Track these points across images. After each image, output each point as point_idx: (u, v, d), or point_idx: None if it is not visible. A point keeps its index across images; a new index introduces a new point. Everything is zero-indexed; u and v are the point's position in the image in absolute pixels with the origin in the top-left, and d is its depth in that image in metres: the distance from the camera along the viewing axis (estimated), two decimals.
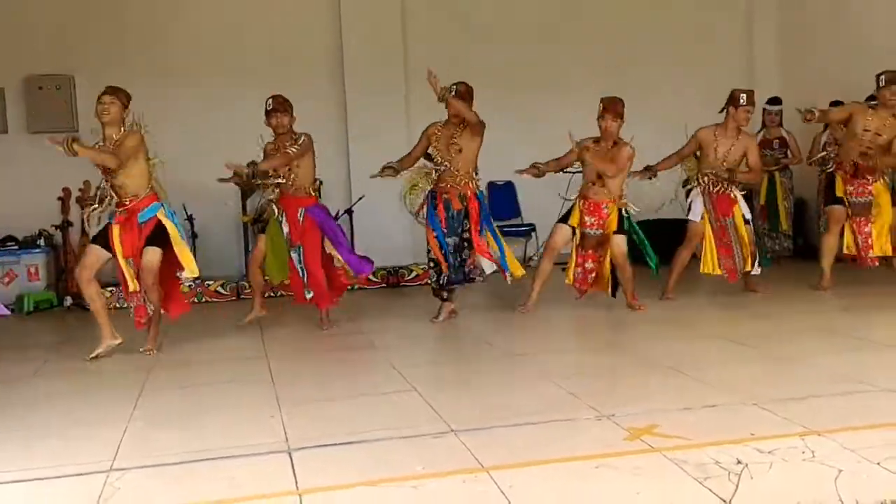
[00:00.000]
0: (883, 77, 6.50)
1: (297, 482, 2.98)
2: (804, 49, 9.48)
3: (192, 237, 7.88)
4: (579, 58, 9.30)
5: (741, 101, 6.42)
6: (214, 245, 8.38)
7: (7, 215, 7.99)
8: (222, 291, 7.89)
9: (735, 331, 5.40)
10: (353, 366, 5.13)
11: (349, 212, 8.30)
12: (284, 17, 8.97)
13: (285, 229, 5.95)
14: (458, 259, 5.99)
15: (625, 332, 5.77)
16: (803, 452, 3.01)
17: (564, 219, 6.31)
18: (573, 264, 6.30)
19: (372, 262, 6.17)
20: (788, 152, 8.53)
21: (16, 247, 8.00)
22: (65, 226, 7.98)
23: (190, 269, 5.42)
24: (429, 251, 6.02)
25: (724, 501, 2.62)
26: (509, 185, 9.13)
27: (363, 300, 7.29)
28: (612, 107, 6.07)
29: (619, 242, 6.17)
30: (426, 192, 6.06)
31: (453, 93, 5.81)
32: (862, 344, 4.90)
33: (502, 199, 9.22)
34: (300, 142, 5.88)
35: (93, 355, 5.32)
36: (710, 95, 6.97)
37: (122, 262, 5.34)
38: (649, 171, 6.56)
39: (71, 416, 4.09)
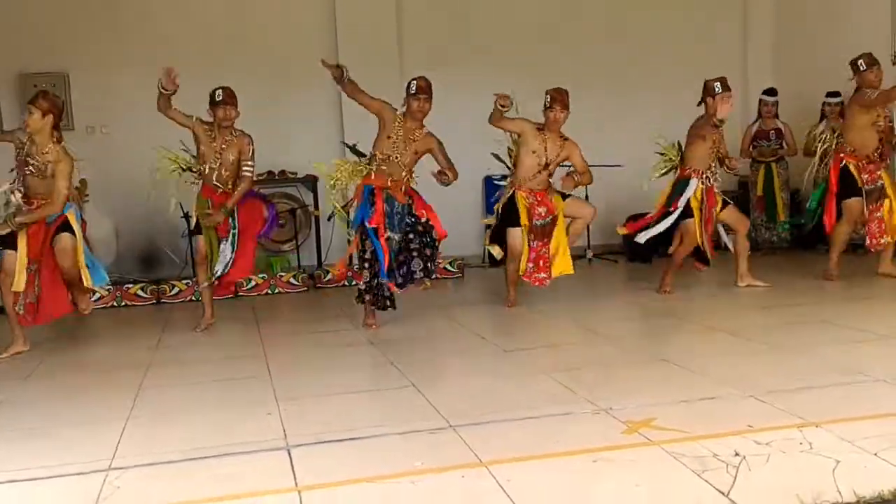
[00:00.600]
0: (862, 62, 6.50)
1: (295, 479, 2.98)
2: (798, 42, 9.48)
3: (189, 235, 7.87)
4: (576, 56, 9.28)
5: (716, 89, 6.36)
6: None
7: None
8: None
9: (732, 323, 5.41)
10: (351, 362, 5.13)
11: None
12: (280, 15, 8.96)
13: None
14: (403, 257, 5.75)
15: (621, 326, 5.77)
16: (801, 444, 3.02)
17: (512, 221, 6.18)
18: (525, 260, 6.19)
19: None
20: (784, 143, 8.54)
21: None
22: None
23: (85, 280, 5.50)
24: (363, 251, 5.74)
25: (723, 494, 2.63)
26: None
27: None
28: (560, 97, 6.10)
29: (576, 201, 6.34)
30: (351, 186, 5.89)
31: (413, 90, 5.67)
32: (859, 335, 4.90)
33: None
34: (242, 140, 5.90)
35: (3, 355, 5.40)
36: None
37: (21, 261, 5.33)
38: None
39: (68, 415, 4.08)
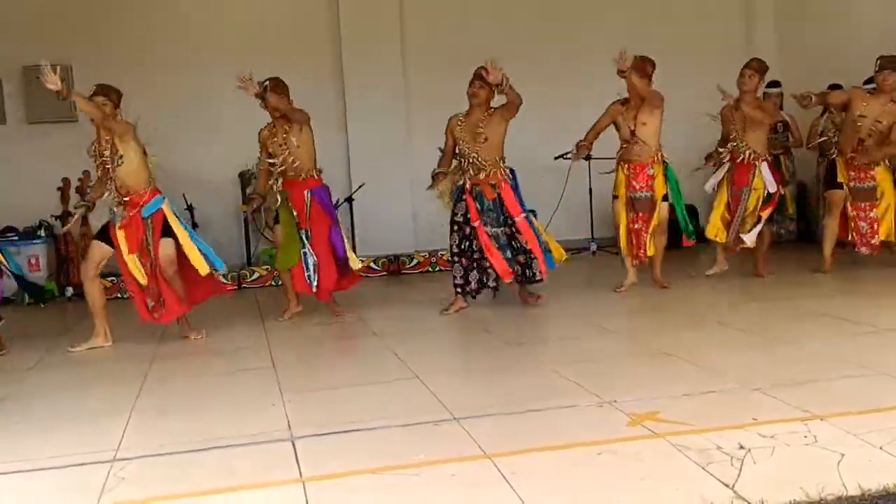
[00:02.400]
0: (878, 62, 6.47)
1: (300, 470, 2.99)
2: (802, 33, 9.43)
3: (193, 227, 7.88)
4: (574, 45, 9.24)
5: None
6: (215, 234, 8.36)
7: (7, 206, 7.99)
8: (223, 281, 7.87)
9: (736, 316, 5.40)
10: (355, 354, 5.14)
11: (349, 200, 8.29)
12: (283, 2, 8.92)
13: (294, 213, 5.89)
14: (509, 252, 5.86)
15: (625, 320, 5.76)
16: (805, 437, 3.01)
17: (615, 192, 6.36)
18: (624, 230, 6.33)
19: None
20: (790, 136, 8.50)
21: (16, 237, 8.00)
22: (65, 216, 7.96)
23: (199, 266, 5.43)
24: (455, 246, 5.88)
25: (727, 486, 2.62)
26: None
27: (364, 288, 7.27)
28: (640, 66, 6.08)
29: (664, 209, 6.31)
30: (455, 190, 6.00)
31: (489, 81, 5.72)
32: (864, 328, 4.89)
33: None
34: (296, 120, 5.82)
35: (76, 349, 5.37)
36: (709, 80, 6.93)
37: (126, 258, 5.33)
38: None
39: (74, 407, 4.10)
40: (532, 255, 5.85)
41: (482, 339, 5.36)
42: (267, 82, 5.82)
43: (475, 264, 5.87)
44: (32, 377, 4.80)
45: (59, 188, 7.98)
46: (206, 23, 8.70)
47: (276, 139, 5.88)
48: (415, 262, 8.34)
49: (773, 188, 6.55)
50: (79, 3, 8.43)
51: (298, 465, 3.04)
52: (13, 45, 8.25)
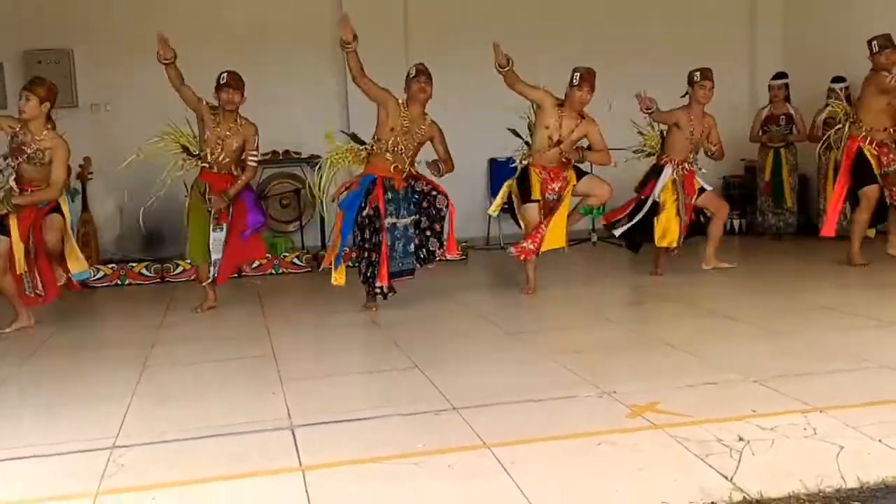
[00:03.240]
0: (875, 43, 6.43)
1: (300, 458, 2.99)
2: (808, 27, 9.40)
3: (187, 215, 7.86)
4: (578, 37, 9.18)
5: (696, 77, 6.45)
6: None
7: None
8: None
9: (736, 308, 5.40)
10: (355, 343, 5.14)
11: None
12: None
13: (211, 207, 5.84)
14: (415, 240, 5.72)
15: (625, 310, 5.77)
16: (805, 429, 3.02)
17: (525, 197, 6.11)
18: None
19: (263, 214, 6.21)
20: (794, 128, 8.48)
21: None
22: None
23: (75, 266, 5.56)
24: (363, 242, 5.61)
25: (726, 478, 2.63)
26: (510, 162, 9.07)
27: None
28: (589, 77, 6.00)
29: (589, 178, 6.24)
30: (348, 173, 5.91)
31: (412, 75, 5.69)
32: (866, 321, 4.89)
33: (503, 176, 9.13)
34: (248, 129, 5.85)
35: (4, 331, 5.47)
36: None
37: (16, 244, 5.37)
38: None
39: (73, 393, 4.10)
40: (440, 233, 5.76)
41: (482, 328, 5.35)
42: (231, 72, 5.82)
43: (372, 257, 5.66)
44: (32, 363, 4.79)
45: None
46: (209, 9, 8.66)
47: (217, 129, 5.80)
48: None
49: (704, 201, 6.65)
50: None
51: (298, 453, 3.05)
52: (14, 29, 8.22)
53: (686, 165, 6.51)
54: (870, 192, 6.60)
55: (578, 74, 6.02)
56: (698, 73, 6.46)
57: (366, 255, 5.63)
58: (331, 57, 8.85)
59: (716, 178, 9.18)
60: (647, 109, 6.28)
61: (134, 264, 7.67)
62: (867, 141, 6.56)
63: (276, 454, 3.05)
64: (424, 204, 5.72)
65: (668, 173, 6.47)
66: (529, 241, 6.00)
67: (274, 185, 8.68)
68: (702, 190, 6.59)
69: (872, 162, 6.56)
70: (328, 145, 5.91)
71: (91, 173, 7.91)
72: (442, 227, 5.79)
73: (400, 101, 5.69)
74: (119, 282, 7.55)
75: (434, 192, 5.71)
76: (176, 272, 7.60)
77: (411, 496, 2.67)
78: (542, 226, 6.01)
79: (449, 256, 5.91)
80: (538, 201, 6.06)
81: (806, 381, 3.64)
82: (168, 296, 6.82)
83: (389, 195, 5.64)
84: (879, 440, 2.88)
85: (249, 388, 4.00)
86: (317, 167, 6.04)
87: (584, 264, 7.13)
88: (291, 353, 4.69)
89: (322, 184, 5.83)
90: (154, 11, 8.47)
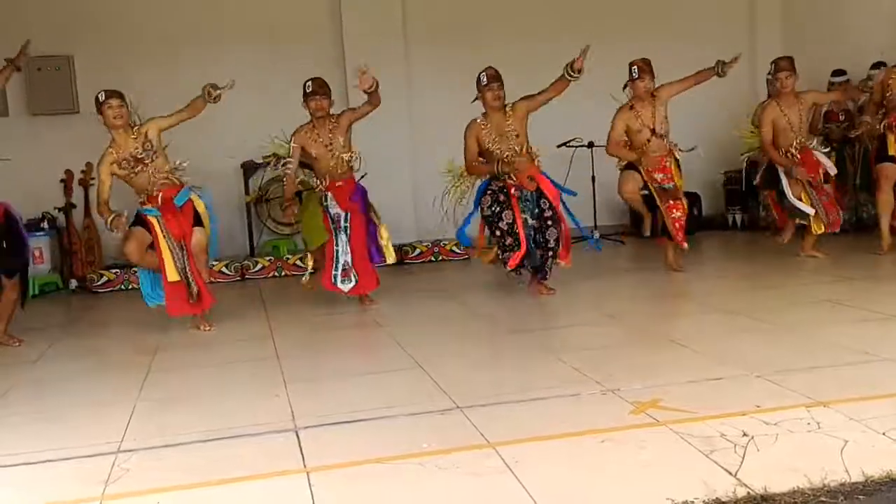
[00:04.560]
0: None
1: (304, 460, 2.99)
2: (807, 19, 9.39)
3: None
4: (577, 30, 9.10)
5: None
6: (224, 227, 8.37)
7: (10, 198, 7.95)
8: (227, 272, 7.87)
9: (739, 303, 5.40)
10: (359, 343, 5.14)
11: None
12: None
13: (332, 210, 5.87)
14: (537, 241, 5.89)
15: (628, 307, 5.76)
16: (809, 424, 3.01)
17: (631, 166, 6.34)
18: (666, 218, 6.36)
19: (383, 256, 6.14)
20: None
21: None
22: (68, 208, 7.99)
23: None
24: (501, 228, 5.80)
25: (730, 474, 2.62)
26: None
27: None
28: (646, 66, 6.20)
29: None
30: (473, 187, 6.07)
31: (485, 81, 5.81)
32: (870, 315, 4.88)
33: None
34: (342, 122, 5.85)
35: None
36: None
37: (165, 246, 5.32)
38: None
39: (78, 399, 4.11)
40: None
41: (486, 327, 5.36)
42: (316, 79, 5.86)
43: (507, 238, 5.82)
44: (37, 369, 4.81)
45: (61, 180, 7.98)
46: (208, 12, 8.66)
47: (320, 140, 5.84)
48: (417, 251, 8.32)
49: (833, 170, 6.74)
50: None
51: (302, 454, 3.05)
52: (14, 36, 8.19)
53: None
54: (884, 168, 6.64)
55: (636, 67, 6.20)
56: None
57: (504, 245, 5.84)
58: (331, 57, 8.86)
59: (718, 172, 9.20)
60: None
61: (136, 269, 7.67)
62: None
63: (281, 456, 3.05)
64: (547, 214, 5.90)
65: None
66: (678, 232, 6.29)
67: (276, 188, 8.67)
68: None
69: (891, 143, 6.59)
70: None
71: (93, 179, 7.92)
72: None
73: (478, 121, 5.87)
74: (122, 286, 7.57)
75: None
76: None
77: (416, 496, 2.67)
78: (675, 213, 6.30)
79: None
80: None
81: (809, 376, 3.63)
82: None
83: (518, 193, 5.85)
84: (884, 433, 2.87)
85: (253, 391, 4.01)
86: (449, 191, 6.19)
87: (586, 262, 7.10)
88: (295, 355, 4.70)
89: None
90: (154, 17, 8.51)
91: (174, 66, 8.37)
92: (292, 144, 5.83)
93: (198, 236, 5.42)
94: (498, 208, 5.82)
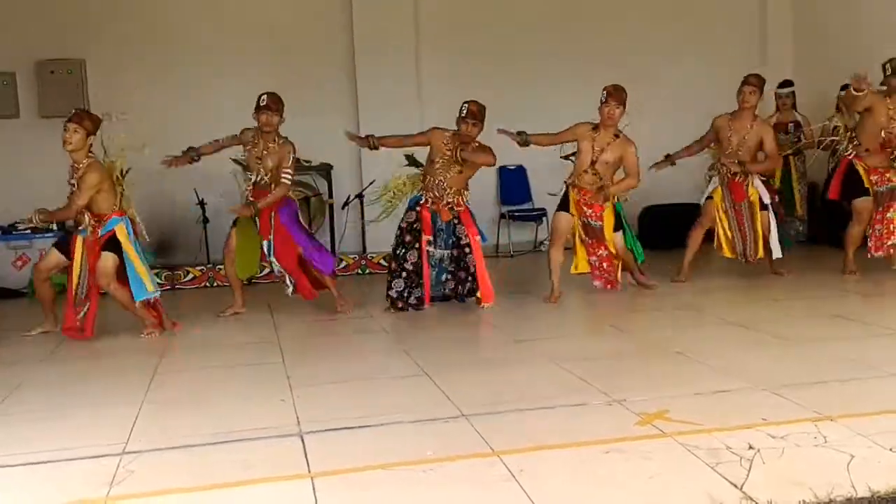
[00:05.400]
0: (888, 66, 6.47)
1: (308, 465, 2.99)
2: (818, 32, 9.38)
3: (204, 222, 7.89)
4: (586, 42, 9.19)
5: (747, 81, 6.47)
6: (225, 229, 8.39)
7: (20, 199, 7.99)
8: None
9: (746, 316, 5.38)
10: (364, 350, 5.14)
11: (360, 196, 8.27)
12: None
13: (258, 222, 5.96)
14: (445, 275, 6.01)
15: (634, 317, 5.75)
16: (815, 438, 3.00)
17: (563, 206, 6.19)
18: (584, 254, 6.26)
19: (333, 257, 6.30)
20: (802, 136, 8.46)
21: (28, 231, 8.02)
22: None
23: (146, 286, 5.51)
24: (400, 258, 5.92)
25: (736, 487, 2.62)
26: (521, 170, 9.11)
27: (373, 285, 7.29)
28: (616, 93, 6.00)
29: (619, 239, 6.19)
30: (408, 198, 6.11)
31: (464, 113, 5.79)
32: (877, 330, 4.87)
33: (514, 184, 9.22)
34: (284, 148, 5.94)
35: (30, 333, 5.63)
36: (722, 80, 6.90)
37: (76, 270, 5.46)
38: (668, 161, 6.60)
39: (84, 399, 4.12)
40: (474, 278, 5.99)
41: (491, 335, 5.35)
42: (271, 94, 5.96)
43: (413, 277, 5.92)
44: (44, 368, 4.82)
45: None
46: (219, 17, 8.68)
47: (255, 150, 5.95)
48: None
49: (767, 199, 6.58)
50: None
51: (307, 459, 3.05)
52: (27, 39, 8.29)
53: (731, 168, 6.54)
54: (862, 205, 6.59)
55: (605, 92, 6.05)
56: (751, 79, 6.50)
57: (403, 274, 5.92)
58: (340, 63, 8.90)
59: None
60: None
61: None
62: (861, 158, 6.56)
63: (286, 461, 3.05)
64: (462, 243, 5.99)
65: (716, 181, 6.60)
66: (604, 273, 6.24)
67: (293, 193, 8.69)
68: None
69: (863, 175, 6.55)
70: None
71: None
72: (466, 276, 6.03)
73: (447, 134, 5.92)
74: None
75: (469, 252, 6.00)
76: (186, 279, 7.64)
77: (421, 503, 2.67)
78: (594, 251, 6.19)
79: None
80: (572, 214, 6.13)
81: (816, 390, 3.63)
82: (178, 303, 6.84)
83: (433, 224, 5.94)
84: (890, 449, 2.86)
85: (259, 395, 4.01)
86: (379, 195, 6.29)
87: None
88: (300, 360, 4.70)
89: (383, 212, 6.20)
90: (165, 21, 8.55)
91: (184, 71, 8.42)
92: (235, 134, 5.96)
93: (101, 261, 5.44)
94: (403, 250, 5.93)
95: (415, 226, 5.93)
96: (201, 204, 7.92)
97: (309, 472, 2.94)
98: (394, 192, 6.14)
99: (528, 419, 3.42)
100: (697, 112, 6.88)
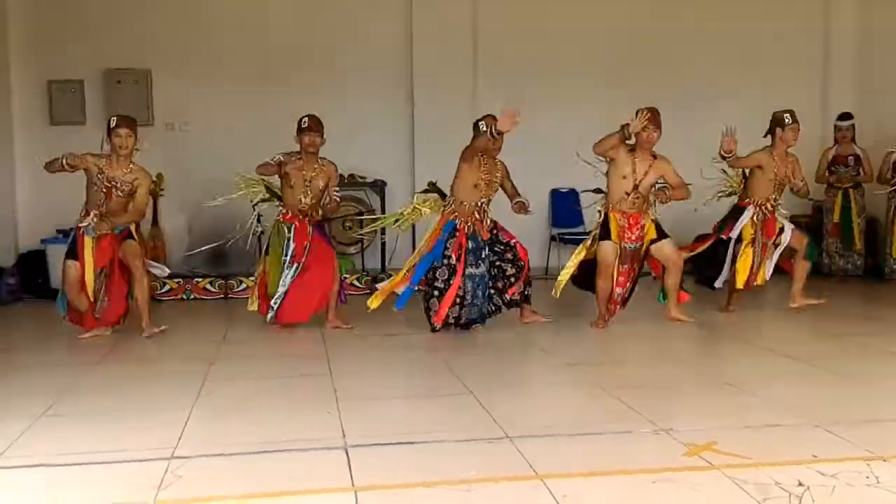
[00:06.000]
0: None
1: (352, 479, 3.01)
2: (882, 67, 9.21)
3: (259, 234, 7.98)
4: (650, 71, 9.12)
5: (786, 121, 6.32)
6: None
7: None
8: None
9: (798, 348, 5.28)
10: (410, 366, 5.16)
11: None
12: (357, 17, 9.00)
13: (291, 246, 6.04)
14: (487, 292, 5.98)
15: (683, 346, 5.68)
16: (867, 477, 2.94)
17: (605, 235, 6.06)
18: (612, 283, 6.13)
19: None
20: (861, 169, 8.32)
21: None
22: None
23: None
24: (436, 279, 5.88)
25: None
26: (573, 193, 9.08)
27: (419, 301, 7.30)
28: (653, 117, 5.93)
29: (666, 245, 6.10)
30: (431, 217, 6.12)
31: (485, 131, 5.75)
32: None
33: (565, 207, 9.19)
34: (331, 167, 6.11)
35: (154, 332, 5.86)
36: (782, 102, 6.78)
37: (89, 274, 5.66)
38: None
39: (134, 403, 4.20)
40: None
41: (537, 357, 5.33)
42: (312, 116, 6.05)
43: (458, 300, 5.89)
44: (96, 372, 4.92)
45: None
46: (283, 37, 8.79)
47: (303, 171, 6.02)
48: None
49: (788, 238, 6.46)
50: (161, 9, 8.64)
51: (351, 473, 3.07)
52: (96, 48, 8.52)
53: (768, 206, 6.42)
54: None
55: (644, 116, 5.92)
56: (789, 116, 6.35)
57: (436, 294, 5.90)
58: (397, 81, 8.97)
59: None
60: (727, 152, 6.17)
61: (199, 279, 7.83)
62: None
63: (330, 473, 3.08)
64: (509, 256, 6.02)
65: (748, 214, 6.42)
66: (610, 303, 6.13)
67: (342, 209, 8.78)
68: (781, 229, 6.47)
69: None
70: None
71: (163, 190, 8.12)
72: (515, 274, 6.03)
73: (478, 158, 5.92)
74: (184, 296, 7.73)
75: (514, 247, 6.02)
76: (239, 289, 7.74)
77: None
78: (625, 274, 6.06)
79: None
80: (614, 242, 6.01)
81: (870, 428, 3.54)
82: (230, 312, 6.94)
83: (471, 244, 5.90)
84: None
85: (306, 407, 4.04)
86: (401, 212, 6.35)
87: (644, 297, 7.03)
88: (348, 373, 4.73)
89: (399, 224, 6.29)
90: (232, 35, 8.70)
91: (248, 85, 8.57)
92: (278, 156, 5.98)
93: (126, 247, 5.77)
94: (447, 274, 5.88)
95: (458, 253, 5.89)
96: (257, 217, 8.01)
97: (352, 485, 2.95)
98: (409, 215, 6.22)
99: (573, 444, 3.39)
100: (752, 129, 6.76)
